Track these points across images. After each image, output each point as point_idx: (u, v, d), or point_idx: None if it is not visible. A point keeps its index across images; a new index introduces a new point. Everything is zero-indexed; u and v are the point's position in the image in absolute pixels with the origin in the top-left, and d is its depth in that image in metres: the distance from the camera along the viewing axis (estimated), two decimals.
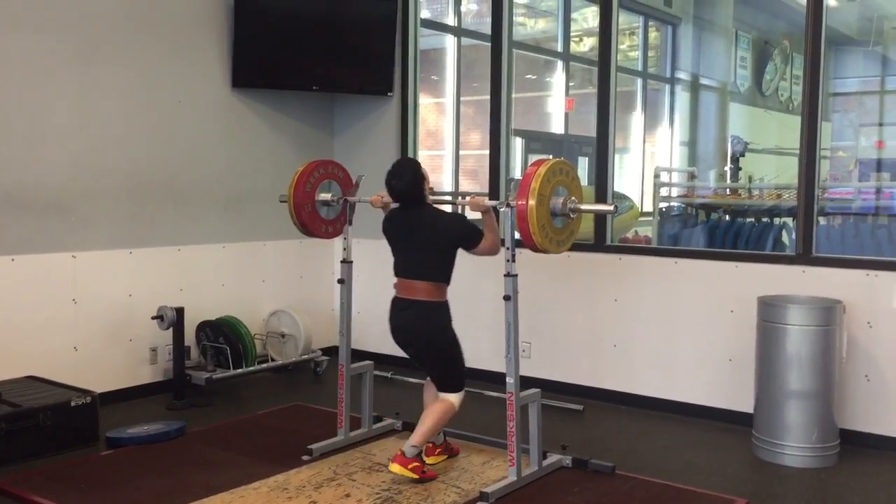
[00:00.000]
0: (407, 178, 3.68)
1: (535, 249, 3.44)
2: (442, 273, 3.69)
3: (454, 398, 3.72)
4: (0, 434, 3.85)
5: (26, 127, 4.51)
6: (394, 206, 3.87)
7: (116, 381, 4.91)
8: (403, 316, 3.71)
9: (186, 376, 5.02)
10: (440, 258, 3.67)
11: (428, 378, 3.90)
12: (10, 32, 4.42)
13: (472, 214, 3.99)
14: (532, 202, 3.31)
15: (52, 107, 4.61)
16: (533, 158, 8.23)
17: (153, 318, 4.94)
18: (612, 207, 3.79)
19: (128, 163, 4.96)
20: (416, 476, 3.58)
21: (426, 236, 3.68)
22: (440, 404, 3.69)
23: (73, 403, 4.13)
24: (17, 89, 4.46)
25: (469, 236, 3.66)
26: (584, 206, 3.55)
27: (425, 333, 3.70)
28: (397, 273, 3.76)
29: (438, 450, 3.90)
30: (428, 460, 3.80)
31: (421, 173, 3.71)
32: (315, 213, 4.21)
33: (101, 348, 4.86)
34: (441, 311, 3.70)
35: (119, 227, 4.93)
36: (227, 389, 5.25)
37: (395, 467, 3.58)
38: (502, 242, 3.59)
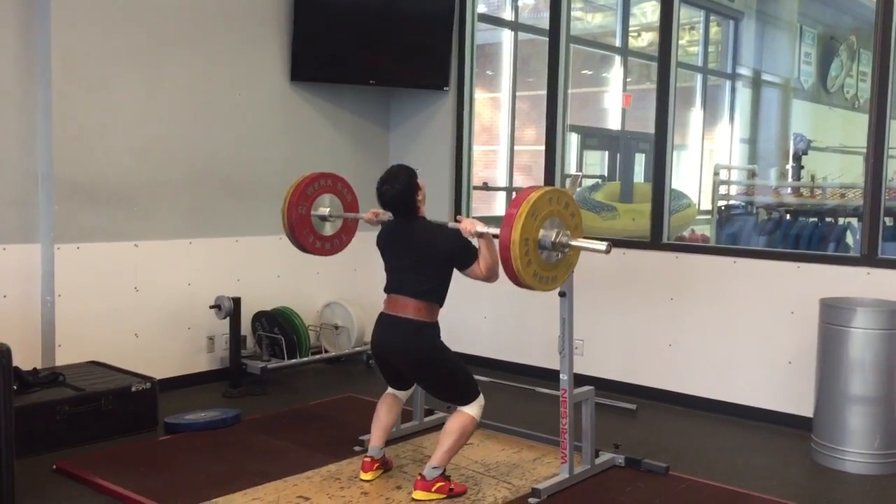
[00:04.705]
0: (399, 185, 3.44)
1: (518, 284, 3.18)
2: (434, 292, 3.44)
3: (473, 410, 3.44)
4: (63, 417, 3.97)
5: (93, 119, 4.63)
6: (387, 217, 3.71)
7: (175, 368, 5.01)
8: (389, 333, 3.47)
9: (242, 365, 5.11)
10: (433, 276, 3.43)
11: (388, 388, 3.72)
12: (77, 28, 4.54)
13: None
14: (517, 232, 3.05)
15: (117, 100, 4.72)
16: (589, 155, 8.21)
17: (211, 307, 5.04)
18: (604, 246, 3.21)
19: (189, 155, 5.06)
20: (443, 496, 3.37)
21: (419, 252, 3.45)
22: (458, 419, 3.42)
23: (133, 389, 4.23)
24: (84, 83, 4.58)
25: (463, 255, 3.40)
26: (574, 242, 3.25)
27: (413, 354, 3.43)
28: (387, 289, 3.52)
29: (377, 464, 3.62)
30: (364, 476, 3.57)
31: (415, 182, 3.47)
32: (307, 220, 4.14)
33: (161, 336, 4.97)
34: (428, 331, 3.43)
35: (179, 217, 5.04)
36: (282, 379, 5.32)
37: (420, 495, 3.35)
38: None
